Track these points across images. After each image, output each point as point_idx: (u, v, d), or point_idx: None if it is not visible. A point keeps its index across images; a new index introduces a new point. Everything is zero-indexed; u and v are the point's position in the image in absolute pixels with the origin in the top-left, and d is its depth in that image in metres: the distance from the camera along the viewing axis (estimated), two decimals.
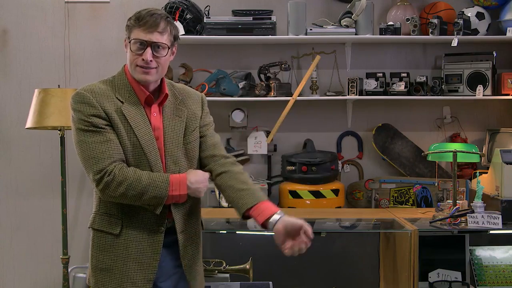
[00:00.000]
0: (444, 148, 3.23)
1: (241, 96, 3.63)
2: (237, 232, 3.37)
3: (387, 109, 3.85)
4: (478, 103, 3.84)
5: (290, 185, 3.58)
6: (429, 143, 3.59)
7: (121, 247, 2.11)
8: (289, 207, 3.55)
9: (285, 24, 3.61)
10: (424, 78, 3.61)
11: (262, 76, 3.68)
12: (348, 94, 3.63)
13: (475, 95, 3.61)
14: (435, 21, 3.52)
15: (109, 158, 2.04)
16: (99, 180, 2.03)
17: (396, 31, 3.60)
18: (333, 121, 3.87)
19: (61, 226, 3.52)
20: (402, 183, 3.69)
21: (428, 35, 3.57)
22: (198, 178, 2.11)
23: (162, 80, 2.20)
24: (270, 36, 3.57)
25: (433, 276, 3.17)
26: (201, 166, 2.28)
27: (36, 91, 3.44)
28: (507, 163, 3.02)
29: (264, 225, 2.07)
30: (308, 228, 2.04)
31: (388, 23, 3.62)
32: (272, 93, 3.61)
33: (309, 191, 3.53)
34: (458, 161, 3.13)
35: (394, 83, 3.64)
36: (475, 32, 3.63)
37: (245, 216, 2.12)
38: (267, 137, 3.68)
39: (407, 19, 3.60)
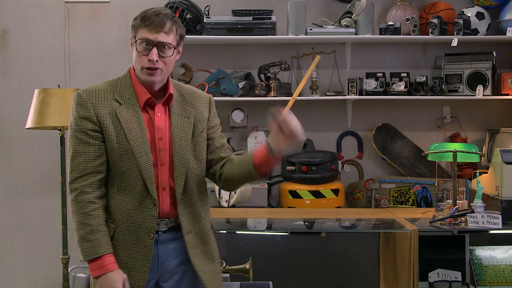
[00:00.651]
0: (444, 148, 3.23)
1: (241, 96, 3.63)
2: (237, 232, 3.37)
3: (387, 109, 3.85)
4: (478, 103, 3.84)
5: (290, 185, 3.58)
6: (429, 143, 3.59)
7: (113, 251, 2.11)
8: (289, 207, 3.55)
9: (285, 24, 3.61)
10: (424, 78, 3.62)
11: (262, 76, 3.68)
12: (348, 94, 3.63)
13: (475, 95, 3.61)
14: (435, 21, 3.52)
15: (81, 171, 2.07)
16: (70, 190, 2.09)
17: (396, 31, 3.60)
18: (333, 121, 3.87)
19: (61, 226, 3.52)
20: (402, 183, 3.69)
21: (428, 35, 3.57)
22: (106, 282, 2.05)
23: (167, 79, 2.19)
24: (270, 36, 3.57)
25: (433, 276, 3.16)
26: (207, 167, 2.27)
27: (36, 91, 3.44)
28: (507, 163, 3.02)
29: (267, 152, 2.12)
30: (281, 111, 2.12)
31: (388, 23, 3.62)
32: (272, 93, 3.61)
33: (309, 191, 3.53)
34: (458, 161, 3.13)
35: (394, 83, 3.64)
36: (475, 32, 3.63)
37: (257, 168, 2.13)
38: (267, 137, 3.67)
39: (407, 19, 3.60)
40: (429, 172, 3.76)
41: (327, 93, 3.79)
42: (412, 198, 3.67)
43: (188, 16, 3.55)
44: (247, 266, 3.19)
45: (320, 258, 3.73)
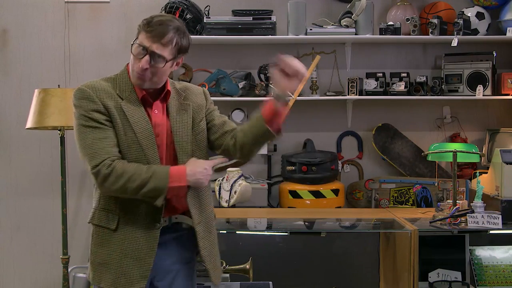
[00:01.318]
0: (444, 148, 3.23)
1: (241, 96, 3.63)
2: (237, 232, 3.37)
3: (387, 109, 3.85)
4: (478, 103, 3.84)
5: (290, 185, 3.58)
6: (429, 143, 3.59)
7: (117, 243, 2.12)
8: (289, 207, 3.55)
9: (285, 24, 3.61)
10: (424, 78, 3.62)
11: (262, 76, 3.68)
12: (348, 94, 3.63)
13: (475, 95, 3.61)
14: (435, 21, 3.52)
15: (107, 153, 2.05)
16: (96, 174, 2.04)
17: (396, 31, 3.60)
18: (333, 121, 3.87)
19: (61, 226, 3.52)
20: (402, 183, 3.69)
21: (428, 35, 3.57)
22: (196, 169, 2.10)
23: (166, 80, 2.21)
24: (270, 36, 3.57)
25: (433, 276, 3.17)
26: (215, 148, 2.28)
27: (36, 91, 3.44)
28: (507, 163, 3.02)
29: (275, 104, 2.09)
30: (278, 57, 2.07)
31: (388, 23, 3.62)
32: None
33: (309, 191, 3.52)
34: (458, 161, 3.13)
35: (394, 83, 3.64)
36: (475, 32, 3.63)
37: (268, 124, 2.11)
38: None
39: (407, 19, 3.60)
40: (429, 172, 3.76)
41: (327, 93, 3.79)
42: (412, 198, 3.67)
43: (188, 16, 3.55)
44: (247, 266, 3.19)
45: (320, 258, 3.73)
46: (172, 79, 3.49)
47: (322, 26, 3.65)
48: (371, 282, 3.62)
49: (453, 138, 3.84)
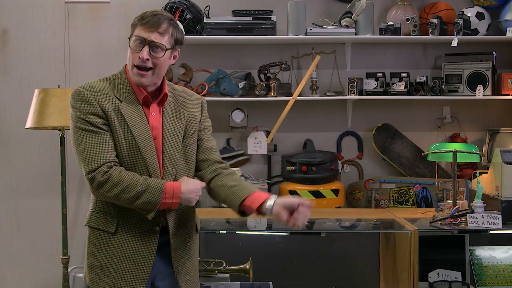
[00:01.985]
0: (444, 148, 3.24)
1: (241, 96, 3.63)
2: (237, 232, 3.37)
3: (387, 109, 3.85)
4: (478, 103, 3.84)
5: (290, 185, 3.58)
6: (429, 143, 3.59)
7: (116, 246, 2.12)
8: None
9: (285, 24, 3.61)
10: (424, 78, 3.61)
11: (262, 76, 3.68)
12: (348, 94, 3.63)
13: (475, 95, 3.61)
14: (435, 21, 3.52)
15: (102, 159, 2.04)
16: (91, 180, 2.04)
17: (396, 31, 3.60)
18: (333, 121, 3.87)
19: (61, 226, 3.52)
20: (402, 183, 3.69)
21: (428, 35, 3.57)
22: (190, 188, 2.10)
23: (163, 80, 2.20)
24: (270, 36, 3.57)
25: (433, 276, 3.17)
26: (195, 169, 2.28)
27: (36, 91, 3.44)
28: (507, 163, 3.02)
29: (260, 211, 2.09)
30: (304, 200, 2.08)
31: (388, 23, 3.62)
32: (272, 93, 3.61)
33: (309, 191, 3.52)
34: (458, 161, 3.14)
35: (394, 83, 3.64)
36: (475, 32, 3.63)
37: (241, 210, 2.13)
38: (267, 137, 3.68)
39: (407, 19, 3.60)
40: (429, 172, 3.76)
41: (327, 93, 3.79)
42: (412, 198, 3.67)
43: (188, 16, 3.55)
44: (247, 266, 3.19)
45: (320, 258, 3.73)
46: (172, 79, 3.51)
47: (322, 26, 3.65)
48: (371, 282, 3.62)
49: (453, 138, 3.84)
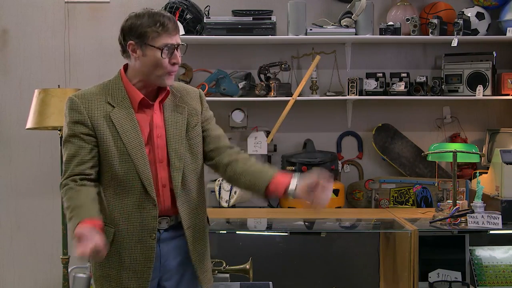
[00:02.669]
0: (444, 148, 3.24)
1: (241, 96, 3.63)
2: (237, 232, 3.37)
3: (387, 109, 3.85)
4: (478, 103, 3.84)
5: None
6: (429, 143, 3.59)
7: (115, 255, 2.12)
8: (289, 207, 3.55)
9: (285, 24, 3.61)
10: (424, 78, 3.61)
11: (262, 76, 3.68)
12: (348, 94, 3.63)
13: (475, 95, 3.61)
14: (435, 21, 3.52)
15: (71, 172, 2.07)
16: (61, 187, 2.09)
17: (396, 31, 3.60)
18: (333, 121, 3.87)
19: (61, 226, 3.53)
20: (402, 183, 3.69)
21: (428, 35, 3.57)
22: (83, 240, 1.87)
23: None
24: (270, 36, 3.57)
25: (433, 276, 3.17)
26: (207, 160, 2.27)
27: (36, 91, 3.44)
28: (507, 163, 3.02)
29: (285, 196, 2.11)
30: (322, 177, 2.05)
31: (388, 23, 3.62)
32: (272, 93, 3.61)
33: None
34: (458, 161, 3.13)
35: (394, 83, 3.64)
36: (475, 32, 3.63)
37: (267, 195, 2.13)
38: (267, 137, 3.68)
39: (407, 19, 3.60)
40: (429, 172, 3.76)
41: (327, 93, 3.79)
42: (412, 198, 3.67)
43: (188, 16, 3.55)
44: (247, 266, 3.19)
45: (320, 258, 3.73)
46: None
47: (322, 26, 3.65)
48: (371, 282, 3.62)
49: (453, 138, 3.84)
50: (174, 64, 2.10)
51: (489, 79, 3.60)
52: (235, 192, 3.37)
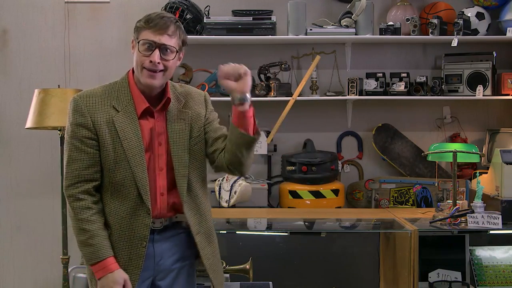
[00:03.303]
0: (444, 148, 3.23)
1: None
2: (237, 232, 3.37)
3: (387, 109, 3.85)
4: (478, 103, 3.84)
5: (290, 185, 3.58)
6: (429, 143, 3.59)
7: None
8: (289, 207, 3.56)
9: (285, 24, 3.61)
10: (424, 78, 3.61)
11: (262, 76, 3.68)
12: (348, 94, 3.63)
13: (475, 95, 3.61)
14: (435, 21, 3.52)
15: (77, 177, 2.08)
16: (68, 197, 2.11)
17: (396, 31, 3.60)
18: (333, 121, 3.87)
19: (61, 226, 3.52)
20: (402, 183, 3.69)
21: (428, 35, 3.57)
22: (107, 283, 2.07)
23: (166, 83, 2.19)
24: (270, 36, 3.57)
25: (433, 276, 3.17)
26: (210, 162, 2.26)
27: (36, 91, 3.43)
28: (507, 163, 3.02)
29: (236, 107, 2.13)
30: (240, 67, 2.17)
31: (388, 23, 3.62)
32: (272, 93, 3.62)
33: (309, 191, 3.53)
34: (458, 161, 3.13)
35: (394, 83, 3.64)
36: (475, 32, 3.63)
37: (240, 127, 2.12)
38: (267, 137, 3.68)
39: (407, 19, 3.60)
40: (429, 172, 3.76)
41: (327, 93, 3.79)
42: (412, 198, 3.67)
43: (188, 16, 3.55)
44: (247, 266, 3.19)
45: (320, 258, 3.73)
46: (172, 79, 3.49)
47: (322, 26, 3.65)
48: (371, 282, 3.62)
49: (453, 138, 3.84)
50: (151, 62, 2.06)
51: (489, 79, 3.60)
52: (235, 192, 3.37)
